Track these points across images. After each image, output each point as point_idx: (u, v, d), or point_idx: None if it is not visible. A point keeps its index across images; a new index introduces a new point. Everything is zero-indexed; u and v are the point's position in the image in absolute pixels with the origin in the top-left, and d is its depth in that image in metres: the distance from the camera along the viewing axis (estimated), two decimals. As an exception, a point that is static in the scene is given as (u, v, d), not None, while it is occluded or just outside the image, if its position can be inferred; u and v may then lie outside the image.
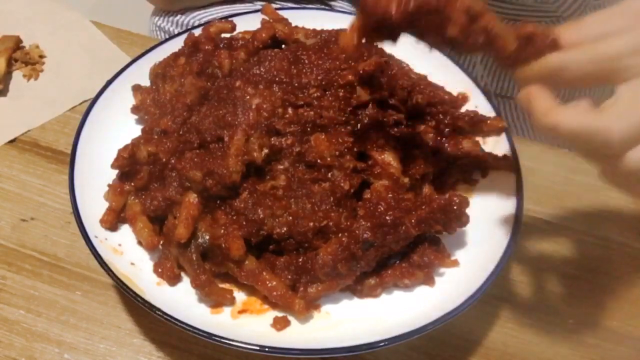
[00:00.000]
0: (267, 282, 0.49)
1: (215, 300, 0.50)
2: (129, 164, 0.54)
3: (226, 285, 0.51)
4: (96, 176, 0.56)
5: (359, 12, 0.45)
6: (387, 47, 0.60)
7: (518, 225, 0.52)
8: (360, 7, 0.45)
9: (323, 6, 0.95)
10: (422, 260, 0.51)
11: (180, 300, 0.50)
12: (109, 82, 0.63)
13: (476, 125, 0.58)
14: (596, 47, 0.41)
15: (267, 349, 0.46)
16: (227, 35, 0.63)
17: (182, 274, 0.52)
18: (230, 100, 0.53)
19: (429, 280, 0.51)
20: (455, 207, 0.50)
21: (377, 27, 0.45)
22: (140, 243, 0.53)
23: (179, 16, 0.92)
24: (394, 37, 0.46)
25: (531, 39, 0.42)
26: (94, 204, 0.54)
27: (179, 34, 0.67)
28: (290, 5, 0.91)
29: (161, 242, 0.52)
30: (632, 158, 0.39)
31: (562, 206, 0.64)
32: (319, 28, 0.62)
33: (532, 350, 0.55)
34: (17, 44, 0.77)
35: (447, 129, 0.56)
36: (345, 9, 0.97)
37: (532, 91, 0.42)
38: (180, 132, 0.55)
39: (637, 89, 0.40)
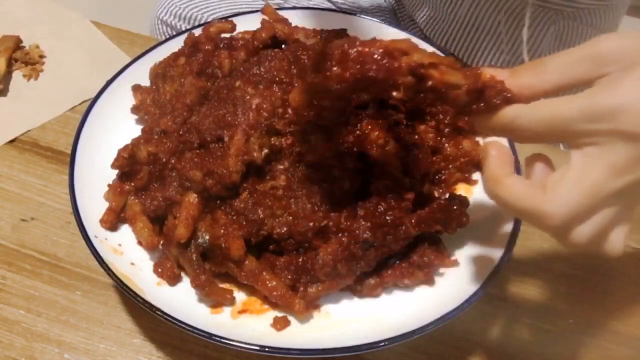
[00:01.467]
0: (267, 282, 0.49)
1: (215, 300, 0.50)
2: (129, 164, 0.54)
3: (226, 285, 0.51)
4: (96, 176, 0.56)
5: (299, 78, 0.45)
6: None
7: (518, 225, 0.52)
8: (299, 75, 0.45)
9: (325, 5, 0.95)
10: (422, 260, 0.51)
11: (180, 300, 0.50)
12: (109, 82, 0.63)
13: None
14: (548, 107, 0.38)
15: (267, 349, 0.46)
16: (227, 35, 0.63)
17: (182, 274, 0.52)
18: (230, 100, 0.53)
19: (429, 280, 0.51)
20: (455, 207, 0.50)
21: (322, 90, 0.43)
22: (140, 243, 0.53)
23: (182, 10, 0.92)
24: (344, 101, 0.44)
25: (483, 93, 0.39)
26: (94, 204, 0.54)
27: (179, 33, 0.67)
28: (290, 5, 0.91)
29: (161, 242, 0.52)
30: (575, 236, 0.38)
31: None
32: (319, 28, 0.62)
33: (532, 350, 0.55)
34: (17, 44, 0.77)
35: (447, 129, 0.56)
36: (348, 6, 0.97)
37: (488, 149, 0.40)
38: (180, 132, 0.55)
39: (585, 160, 0.37)
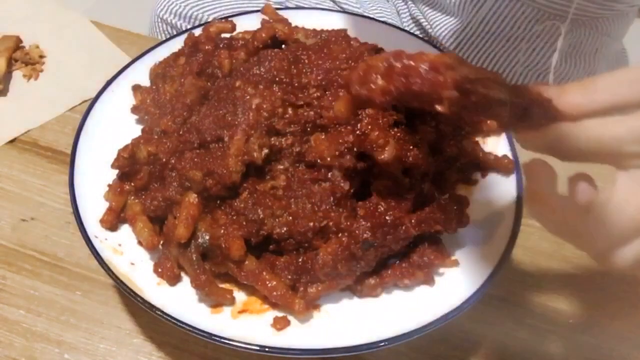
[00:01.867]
0: (267, 282, 0.49)
1: (215, 300, 0.50)
2: (129, 164, 0.54)
3: (226, 285, 0.51)
4: (96, 176, 0.56)
5: (344, 88, 0.44)
6: (387, 47, 0.61)
7: (518, 225, 0.52)
8: (345, 88, 0.44)
9: (327, 4, 0.95)
10: (422, 260, 0.51)
11: (180, 300, 0.50)
12: (109, 82, 0.63)
13: (476, 125, 0.58)
14: (596, 127, 0.37)
15: (267, 349, 0.46)
16: (227, 35, 0.63)
17: (182, 274, 0.52)
18: (230, 100, 0.53)
19: (429, 280, 0.51)
20: (455, 207, 0.50)
21: (366, 101, 0.42)
22: (140, 243, 0.53)
23: (182, 8, 0.92)
24: (383, 108, 0.46)
25: (529, 110, 0.38)
26: (94, 204, 0.54)
27: (179, 33, 0.67)
28: (290, 5, 0.91)
29: (161, 242, 0.52)
30: (618, 259, 0.38)
31: (562, 206, 0.64)
32: (319, 28, 0.62)
33: (532, 350, 0.55)
34: (17, 44, 0.77)
35: (447, 129, 0.56)
36: (350, 5, 0.97)
37: (533, 167, 0.39)
38: (180, 132, 0.55)
39: (632, 183, 0.37)
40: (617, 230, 0.37)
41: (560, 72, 0.88)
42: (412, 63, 0.38)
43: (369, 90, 0.40)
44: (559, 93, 0.38)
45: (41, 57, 0.76)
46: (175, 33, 0.78)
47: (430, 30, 0.93)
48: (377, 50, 0.58)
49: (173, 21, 0.93)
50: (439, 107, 0.38)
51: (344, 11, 0.89)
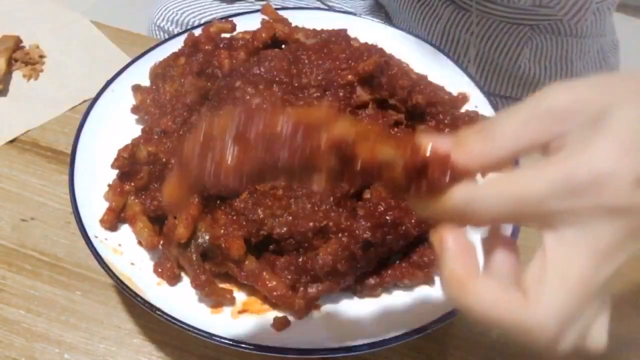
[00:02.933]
0: (267, 282, 0.49)
1: (215, 300, 0.50)
2: (129, 164, 0.54)
3: (226, 285, 0.51)
4: (96, 176, 0.56)
5: (178, 168, 0.33)
6: (387, 47, 0.61)
7: (518, 225, 0.52)
8: (179, 166, 0.32)
9: (323, 6, 0.96)
10: (422, 260, 0.51)
11: (180, 300, 0.50)
12: (109, 82, 0.63)
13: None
14: (509, 184, 0.30)
15: (267, 349, 0.46)
16: (227, 35, 0.63)
17: (182, 274, 0.52)
18: (230, 100, 0.53)
19: (429, 280, 0.51)
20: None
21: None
22: (140, 243, 0.53)
23: (178, 16, 0.92)
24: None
25: (423, 170, 0.31)
26: (94, 204, 0.54)
27: (179, 34, 0.67)
28: (290, 5, 0.91)
29: (161, 242, 0.52)
30: (564, 344, 0.31)
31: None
32: (319, 28, 0.62)
33: (532, 350, 0.54)
34: (17, 44, 0.77)
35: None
36: (345, 8, 0.97)
37: (444, 239, 0.32)
38: (180, 132, 0.55)
39: (565, 249, 0.30)
40: (564, 315, 0.30)
41: (530, 79, 0.87)
42: (270, 122, 0.29)
43: (215, 169, 0.30)
44: (456, 144, 0.32)
45: (41, 57, 0.76)
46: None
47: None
48: (377, 50, 0.58)
49: (170, 29, 0.93)
50: (314, 185, 0.30)
51: (344, 12, 0.89)
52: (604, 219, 0.29)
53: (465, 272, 0.31)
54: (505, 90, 0.89)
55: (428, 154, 0.31)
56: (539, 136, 0.31)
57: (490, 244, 0.33)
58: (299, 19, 0.64)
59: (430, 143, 0.31)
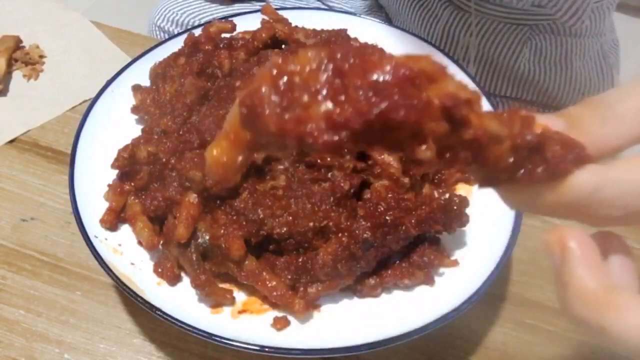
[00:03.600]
0: (267, 282, 0.49)
1: (215, 300, 0.50)
2: (129, 164, 0.54)
3: (226, 285, 0.51)
4: (96, 176, 0.56)
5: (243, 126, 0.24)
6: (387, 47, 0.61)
7: (518, 225, 0.52)
8: (245, 123, 0.24)
9: (323, 6, 0.96)
10: (422, 260, 0.51)
11: (180, 300, 0.50)
12: (109, 82, 0.63)
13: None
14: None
15: (267, 349, 0.46)
16: (227, 35, 0.63)
17: (182, 274, 0.52)
18: (231, 100, 0.53)
19: (429, 280, 0.51)
20: (455, 207, 0.50)
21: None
22: (140, 243, 0.53)
23: (178, 16, 0.92)
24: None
25: (540, 148, 0.25)
26: (94, 204, 0.54)
27: (179, 34, 0.67)
28: (290, 5, 0.91)
29: (161, 242, 0.52)
30: None
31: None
32: (319, 28, 0.62)
33: (532, 350, 0.55)
34: (17, 44, 0.77)
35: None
36: (345, 8, 0.97)
37: (565, 241, 0.26)
38: (180, 132, 0.55)
39: None
40: None
41: (530, 79, 0.87)
42: (370, 65, 0.22)
43: (297, 120, 0.22)
44: (570, 123, 0.26)
45: (41, 57, 0.76)
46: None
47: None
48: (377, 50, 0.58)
49: (170, 29, 0.93)
50: (421, 152, 0.24)
51: (344, 11, 0.89)
52: None
53: (601, 286, 0.25)
54: (505, 90, 0.88)
55: (543, 129, 0.25)
56: None
57: (604, 240, 0.27)
58: (299, 19, 0.64)
59: (543, 120, 0.26)
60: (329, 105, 0.21)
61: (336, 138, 0.22)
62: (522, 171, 0.25)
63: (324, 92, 0.21)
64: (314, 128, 0.21)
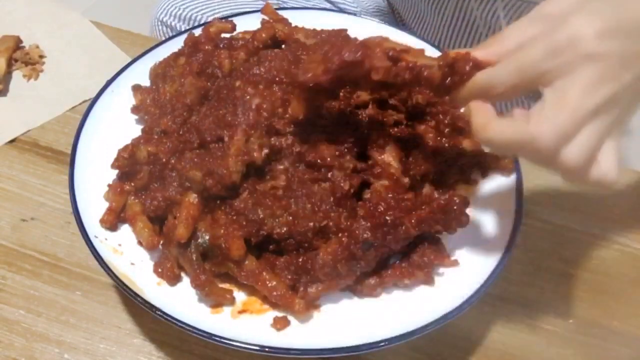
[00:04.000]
0: (267, 282, 0.49)
1: (215, 300, 0.50)
2: (129, 164, 0.54)
3: (226, 285, 0.51)
4: (96, 176, 0.56)
5: (293, 85, 0.49)
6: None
7: (518, 225, 0.52)
8: (291, 82, 0.50)
9: (324, 5, 0.95)
10: (422, 260, 0.51)
11: (180, 300, 0.50)
12: (109, 82, 0.63)
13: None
14: (515, 58, 0.42)
15: (267, 349, 0.46)
16: (227, 35, 0.63)
17: (182, 274, 0.52)
18: (230, 100, 0.53)
19: (429, 280, 0.51)
20: (455, 207, 0.50)
21: (315, 90, 0.48)
22: (140, 243, 0.53)
23: (181, 10, 0.92)
24: (334, 94, 0.51)
25: (453, 65, 0.44)
26: (94, 204, 0.54)
27: (179, 33, 0.67)
28: (290, 5, 0.91)
29: (161, 242, 0.52)
30: (566, 156, 0.40)
31: (562, 206, 0.64)
32: (319, 28, 0.62)
33: (532, 350, 0.55)
34: (17, 44, 0.77)
35: (447, 129, 0.56)
36: (348, 6, 0.97)
37: (471, 106, 0.44)
38: (180, 132, 0.55)
39: (558, 91, 0.40)
40: (558, 127, 0.40)
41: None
42: (344, 44, 0.45)
43: (313, 75, 0.46)
44: (475, 48, 0.44)
45: (41, 57, 0.76)
46: (175, 35, 0.78)
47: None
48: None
49: (173, 23, 0.93)
50: (374, 76, 0.45)
51: (344, 11, 0.89)
52: (582, 65, 0.40)
53: (487, 117, 0.42)
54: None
55: (455, 54, 0.44)
56: (537, 33, 0.42)
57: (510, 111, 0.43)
58: (299, 19, 0.64)
59: (455, 51, 0.44)
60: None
61: (328, 76, 0.46)
62: (447, 82, 0.45)
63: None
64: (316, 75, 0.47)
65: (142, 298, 0.48)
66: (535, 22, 0.43)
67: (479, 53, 0.44)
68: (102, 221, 0.53)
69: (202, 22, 0.90)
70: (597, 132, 0.41)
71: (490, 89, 0.43)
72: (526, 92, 0.43)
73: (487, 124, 0.42)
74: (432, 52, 0.65)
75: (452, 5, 0.86)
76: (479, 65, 0.43)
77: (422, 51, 0.46)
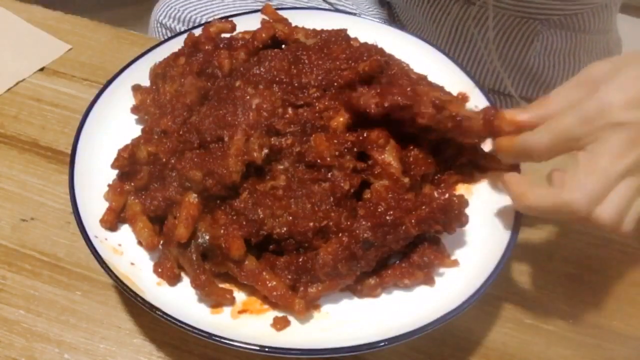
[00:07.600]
0: (267, 282, 0.49)
1: (215, 300, 0.50)
2: (129, 164, 0.54)
3: (226, 285, 0.51)
4: (96, 176, 0.56)
5: (345, 109, 0.53)
6: (387, 47, 0.61)
7: (518, 225, 0.52)
8: (344, 106, 0.52)
9: (324, 6, 0.95)
10: (422, 260, 0.51)
11: (180, 300, 0.50)
12: (109, 82, 0.63)
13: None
14: (550, 125, 0.46)
15: (267, 349, 0.46)
16: (227, 35, 0.63)
17: (182, 274, 0.52)
18: (230, 100, 0.53)
19: (429, 280, 0.51)
20: (455, 207, 0.50)
21: (360, 121, 0.52)
22: (140, 243, 0.53)
23: (180, 12, 0.92)
24: (375, 123, 0.53)
25: (492, 122, 0.49)
26: (94, 204, 0.54)
27: (179, 33, 0.67)
28: (290, 5, 0.91)
29: (161, 242, 0.52)
30: (599, 216, 0.44)
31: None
32: (319, 28, 0.62)
33: (532, 350, 0.55)
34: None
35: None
36: (347, 7, 0.97)
37: (506, 178, 0.49)
38: (180, 132, 0.55)
39: (590, 156, 0.45)
40: (589, 190, 0.44)
41: (539, 74, 0.87)
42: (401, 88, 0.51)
43: (365, 104, 0.51)
44: (521, 109, 0.49)
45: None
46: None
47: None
48: (377, 50, 0.58)
49: (172, 25, 0.93)
50: (420, 119, 0.50)
51: (344, 11, 0.89)
52: (612, 133, 0.44)
53: (523, 188, 0.48)
54: (514, 83, 0.89)
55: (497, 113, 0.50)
56: (581, 98, 0.46)
57: (549, 173, 0.48)
58: (299, 19, 0.64)
59: (501, 109, 0.50)
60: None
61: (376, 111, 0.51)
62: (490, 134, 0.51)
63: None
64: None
65: (142, 298, 0.48)
66: (578, 87, 0.47)
67: (523, 117, 0.48)
68: (102, 221, 0.53)
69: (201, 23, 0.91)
70: (627, 193, 0.44)
71: (529, 150, 0.47)
72: (563, 153, 0.47)
73: (524, 194, 0.47)
74: (432, 52, 0.65)
75: (450, 22, 0.87)
76: (519, 128, 0.48)
77: (464, 103, 0.54)
